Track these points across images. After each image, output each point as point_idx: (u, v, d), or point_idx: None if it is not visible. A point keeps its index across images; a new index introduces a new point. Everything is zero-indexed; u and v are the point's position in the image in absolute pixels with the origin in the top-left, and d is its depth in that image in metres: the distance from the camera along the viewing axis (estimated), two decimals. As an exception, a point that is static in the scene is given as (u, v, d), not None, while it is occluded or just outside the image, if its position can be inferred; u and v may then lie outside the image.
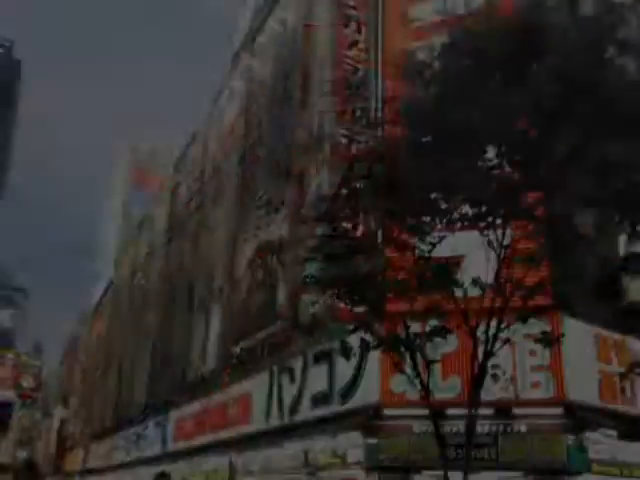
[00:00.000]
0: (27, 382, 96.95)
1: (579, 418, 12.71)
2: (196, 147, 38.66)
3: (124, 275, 56.44)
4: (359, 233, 11.64)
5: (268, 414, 19.03)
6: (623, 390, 14.21)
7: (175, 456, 27.45)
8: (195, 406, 26.45)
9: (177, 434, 28.45)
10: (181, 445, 27.41)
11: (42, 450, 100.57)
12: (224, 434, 22.34)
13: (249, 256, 25.08)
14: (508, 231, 9.85)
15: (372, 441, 13.70)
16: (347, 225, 11.21)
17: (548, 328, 11.59)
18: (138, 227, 54.77)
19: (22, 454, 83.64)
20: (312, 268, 11.21)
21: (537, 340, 10.18)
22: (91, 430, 55.48)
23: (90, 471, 48.52)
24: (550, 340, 10.15)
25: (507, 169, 9.31)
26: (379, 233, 11.44)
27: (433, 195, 9.89)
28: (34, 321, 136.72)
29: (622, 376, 12.98)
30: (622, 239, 11.80)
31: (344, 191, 10.94)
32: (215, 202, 32.10)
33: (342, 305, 12.01)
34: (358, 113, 16.34)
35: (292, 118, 22.79)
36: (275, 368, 19.11)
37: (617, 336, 14.49)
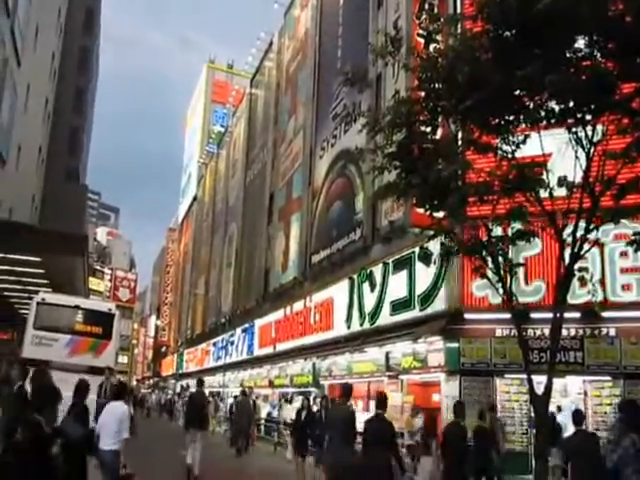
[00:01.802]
0: (124, 294, 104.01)
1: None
2: (271, 60, 38.19)
3: (207, 189, 58.11)
4: (438, 137, 11.21)
5: (349, 320, 19.55)
6: None
7: (261, 361, 28.97)
8: (278, 314, 27.58)
9: (262, 341, 29.91)
10: (266, 351, 28.87)
11: (140, 356, 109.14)
12: (307, 340, 23.31)
13: (327, 165, 25.07)
14: (598, 127, 9.21)
15: (453, 345, 13.84)
16: (425, 129, 10.79)
17: (641, 228, 11.04)
18: (219, 142, 55.65)
19: (123, 359, 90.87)
20: (390, 175, 11.01)
21: (630, 242, 9.69)
22: (183, 338, 59.40)
23: (183, 375, 52.25)
24: (644, 241, 9.61)
25: (599, 60, 8.60)
26: (459, 136, 11.00)
27: (517, 92, 9.31)
28: (127, 237, 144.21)
29: None
30: None
31: (422, 93, 10.51)
32: (292, 113, 31.94)
33: (421, 211, 11.84)
34: (435, 10, 15.44)
35: (367, 21, 21.92)
36: (355, 276, 19.41)
37: None
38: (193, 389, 20.82)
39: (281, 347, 26.52)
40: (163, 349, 75.78)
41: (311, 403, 15.33)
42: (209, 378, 38.74)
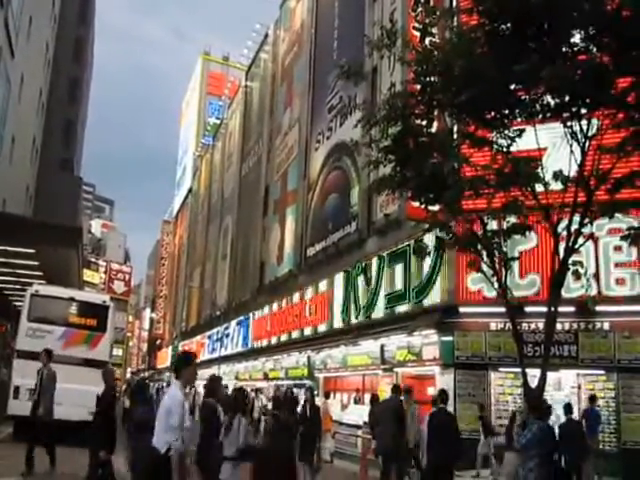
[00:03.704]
0: (119, 287, 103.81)
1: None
2: (267, 52, 38.06)
3: (202, 181, 57.99)
4: (434, 130, 11.19)
5: (345, 313, 19.58)
6: None
7: (256, 353, 29.01)
8: (274, 306, 27.59)
9: (257, 333, 29.93)
10: (261, 343, 28.90)
11: (135, 349, 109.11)
12: (301, 333, 23.34)
13: (322, 158, 25.03)
14: (594, 121, 9.21)
15: (447, 338, 13.87)
16: (421, 122, 10.76)
17: (636, 223, 11.06)
18: (214, 134, 55.49)
19: (118, 352, 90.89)
20: (386, 169, 11.00)
21: (624, 236, 9.71)
22: (178, 330, 59.40)
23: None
24: (638, 235, 9.64)
25: (595, 54, 8.60)
26: (454, 129, 10.99)
27: (512, 86, 9.30)
28: (121, 230, 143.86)
29: None
30: None
31: (418, 86, 10.49)
32: (287, 106, 31.85)
33: (416, 204, 11.84)
34: (431, 3, 15.38)
35: (363, 13, 21.84)
36: (351, 269, 19.42)
37: None
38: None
39: (276, 340, 26.55)
40: (158, 342, 75.82)
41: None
42: (203, 371, 38.77)
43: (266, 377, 25.93)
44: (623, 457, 11.90)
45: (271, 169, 33.41)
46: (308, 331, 22.80)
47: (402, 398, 11.22)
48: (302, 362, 22.63)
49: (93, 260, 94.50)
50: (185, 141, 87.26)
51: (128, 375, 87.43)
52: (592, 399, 11.97)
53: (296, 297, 24.69)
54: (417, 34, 11.54)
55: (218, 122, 57.16)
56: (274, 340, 26.88)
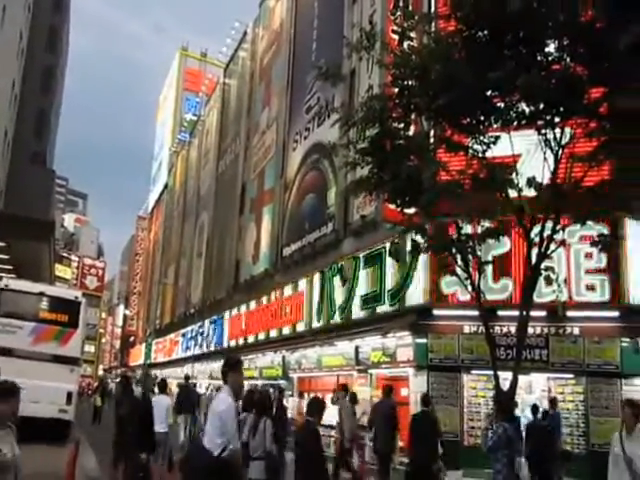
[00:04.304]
0: (91, 282, 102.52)
1: (636, 321, 12.56)
2: (245, 50, 37.89)
3: (178, 178, 57.54)
4: (410, 133, 11.27)
5: (320, 314, 19.61)
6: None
7: (230, 352, 28.83)
8: (249, 305, 27.50)
9: (232, 332, 29.81)
10: (235, 342, 28.79)
11: (107, 346, 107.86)
12: (277, 332, 23.30)
13: (300, 158, 25.01)
14: (567, 129, 9.37)
15: (422, 340, 13.97)
16: (398, 125, 10.83)
17: (606, 230, 11.28)
18: (191, 130, 55.08)
19: (90, 349, 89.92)
20: (363, 170, 11.04)
21: (594, 243, 9.90)
22: (152, 327, 58.88)
23: (151, 365, 51.79)
24: (608, 243, 9.85)
25: (569, 63, 8.75)
26: (431, 133, 11.08)
27: (488, 92, 9.41)
28: (95, 224, 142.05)
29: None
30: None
31: (395, 90, 10.55)
32: (265, 104, 31.75)
33: (393, 207, 11.91)
34: (410, 8, 15.46)
35: (342, 15, 21.86)
36: (326, 269, 19.45)
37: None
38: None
39: (251, 339, 26.47)
40: (131, 339, 75.03)
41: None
42: (177, 369, 38.53)
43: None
44: (591, 459, 12.11)
45: (248, 167, 33.28)
46: (283, 331, 22.77)
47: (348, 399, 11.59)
48: (277, 362, 22.61)
49: (65, 255, 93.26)
50: (161, 136, 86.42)
51: (100, 372, 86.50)
52: (553, 402, 12.21)
53: (272, 296, 24.63)
54: (396, 37, 11.61)
55: (195, 118, 56.72)
56: (249, 339, 26.80)
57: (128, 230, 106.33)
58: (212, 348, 33.01)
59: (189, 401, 17.72)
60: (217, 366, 31.26)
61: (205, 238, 41.35)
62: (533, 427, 10.93)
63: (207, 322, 34.81)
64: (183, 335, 41.29)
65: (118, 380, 10.81)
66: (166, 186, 65.05)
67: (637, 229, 13.14)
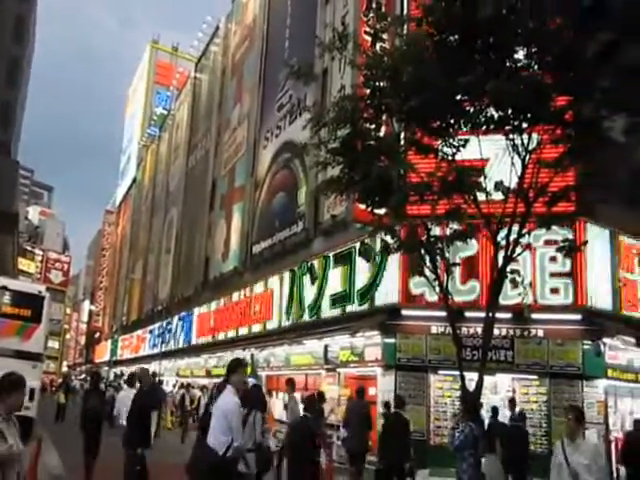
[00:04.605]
0: (56, 277, 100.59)
1: (597, 324, 12.87)
2: (217, 45, 37.58)
3: (147, 172, 56.86)
4: (381, 134, 11.34)
5: (289, 312, 19.60)
6: (644, 299, 14.30)
7: (199, 349, 28.70)
8: (218, 303, 27.34)
9: (200, 329, 29.60)
10: (204, 340, 28.60)
11: (72, 342, 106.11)
12: (246, 330, 23.23)
13: (271, 156, 24.93)
14: (534, 135, 9.55)
15: (390, 340, 14.07)
16: (369, 126, 10.88)
17: (570, 235, 11.52)
18: (161, 124, 54.43)
19: (54, 345, 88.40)
20: (334, 170, 11.07)
21: (559, 247, 10.10)
22: (118, 324, 58.10)
23: (117, 362, 51.16)
24: (572, 247, 10.06)
25: (536, 71, 8.90)
26: (402, 135, 11.15)
27: (459, 96, 9.53)
28: (61, 218, 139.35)
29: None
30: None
31: (367, 90, 10.60)
32: (237, 101, 31.56)
33: (363, 207, 11.97)
34: (382, 9, 15.52)
35: (315, 14, 21.84)
36: (296, 268, 19.45)
37: (640, 244, 14.43)
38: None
39: (220, 336, 26.33)
40: (97, 335, 73.94)
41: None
42: (144, 366, 38.03)
43: (208, 374, 25.71)
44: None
45: (219, 164, 33.05)
46: (252, 329, 22.71)
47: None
48: (246, 360, 22.51)
49: (29, 248, 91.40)
50: (130, 130, 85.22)
51: (64, 369, 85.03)
52: (512, 402, 12.45)
53: (241, 294, 24.53)
54: (368, 39, 11.64)
55: (165, 113, 56.05)
56: (217, 337, 26.65)
57: (95, 224, 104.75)
58: (180, 345, 32.72)
59: (155, 398, 17.59)
60: (185, 363, 31.07)
61: (174, 234, 40.94)
62: (493, 428, 11.11)
63: (175, 319, 34.50)
64: (150, 332, 40.87)
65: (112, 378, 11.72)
66: (134, 180, 64.22)
67: (598, 234, 13.51)
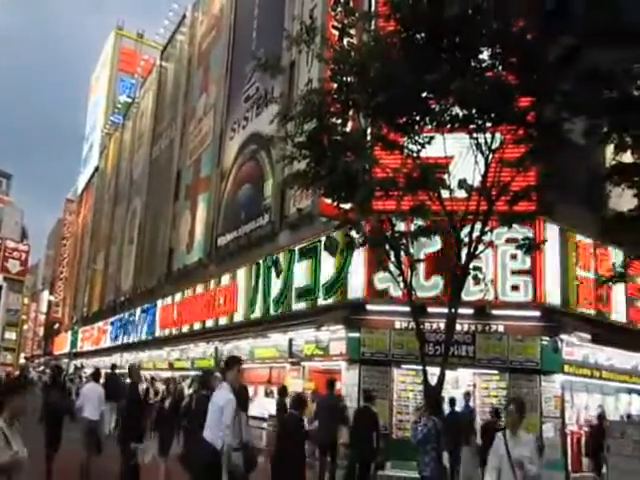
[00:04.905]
0: (13, 266, 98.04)
1: (555, 321, 13.19)
2: (183, 34, 37.00)
3: (110, 161, 55.82)
4: (348, 129, 11.36)
5: (254, 305, 19.54)
6: (600, 297, 14.74)
7: (161, 342, 28.41)
8: (181, 295, 27.09)
9: (163, 322, 29.27)
10: (167, 332, 28.30)
11: (30, 333, 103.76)
12: (210, 323, 23.08)
13: (237, 147, 24.73)
14: (497, 135, 9.70)
15: (354, 334, 14.16)
16: (336, 121, 10.89)
17: (531, 234, 11.76)
18: (125, 112, 53.44)
19: (11, 336, 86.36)
20: (300, 164, 11.05)
21: (519, 245, 10.30)
22: (78, 315, 57.02)
23: (77, 354, 50.26)
24: (532, 245, 10.28)
25: (500, 71, 9.03)
26: (368, 131, 11.20)
27: (424, 94, 9.61)
28: (19, 205, 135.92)
29: (600, 283, 13.36)
30: (609, 149, 11.69)
31: (334, 85, 10.61)
32: (203, 90, 31.17)
33: (329, 201, 11.99)
34: (350, 4, 15.53)
35: (283, 6, 21.67)
36: (261, 261, 19.38)
37: (598, 244, 14.83)
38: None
39: (183, 329, 26.10)
40: (56, 326, 72.36)
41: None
42: (105, 359, 37.52)
43: (171, 367, 25.47)
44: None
45: (184, 154, 32.62)
46: (216, 322, 22.57)
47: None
48: (209, 353, 22.38)
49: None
50: (93, 117, 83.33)
51: (22, 361, 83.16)
52: (467, 395, 12.71)
53: (205, 286, 24.34)
54: (336, 33, 11.60)
55: (129, 101, 54.98)
56: (181, 329, 26.40)
57: (55, 213, 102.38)
58: (142, 338, 32.33)
59: (116, 390, 17.44)
60: (147, 356, 30.70)
61: (137, 224, 40.31)
62: (451, 418, 11.34)
63: (138, 311, 34.05)
64: (112, 324, 40.24)
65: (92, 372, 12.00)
66: (97, 169, 62.92)
67: (557, 233, 13.83)
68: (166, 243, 32.73)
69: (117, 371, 19.75)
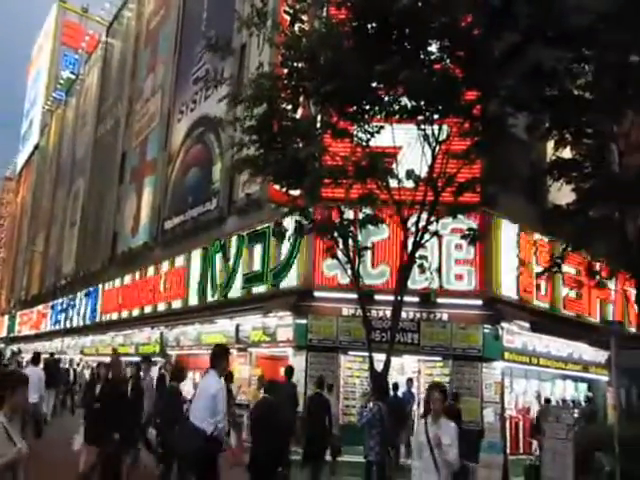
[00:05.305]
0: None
1: (497, 310, 13.59)
2: (130, 10, 35.86)
3: (52, 139, 53.92)
4: (298, 116, 11.30)
5: (201, 290, 19.34)
6: (538, 287, 15.23)
7: (105, 327, 27.83)
8: (126, 279, 26.56)
9: (107, 306, 28.67)
10: (111, 317, 27.75)
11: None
12: (155, 308, 22.75)
13: (185, 130, 24.27)
14: (444, 127, 9.85)
15: (302, 321, 14.21)
16: (286, 106, 10.81)
17: (475, 225, 12.03)
18: (68, 89, 51.60)
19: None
20: (249, 149, 10.93)
21: (464, 235, 10.53)
22: (16, 298, 55.13)
23: (15, 339, 48.61)
24: (476, 236, 10.52)
25: (448, 64, 9.15)
26: (318, 118, 11.17)
27: (374, 84, 9.65)
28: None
29: (539, 274, 13.81)
30: (550, 144, 12.05)
31: (285, 70, 10.52)
32: (150, 70, 30.37)
33: (278, 188, 11.93)
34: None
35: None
36: (209, 246, 19.17)
37: (538, 236, 15.33)
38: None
39: (127, 314, 25.63)
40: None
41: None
42: (45, 343, 36.48)
43: (115, 352, 24.94)
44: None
45: (130, 135, 31.79)
46: (162, 306, 22.26)
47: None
48: (154, 338, 22.06)
49: None
50: (34, 92, 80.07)
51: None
52: (410, 381, 12.99)
53: (151, 270, 23.93)
54: (287, 18, 11.48)
55: (73, 77, 53.14)
56: (125, 314, 25.93)
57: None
58: (84, 322, 31.57)
59: (55, 376, 17.12)
60: (89, 341, 30.01)
61: (80, 205, 39.17)
62: (393, 403, 11.53)
63: (80, 295, 33.20)
64: (52, 307, 39.13)
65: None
66: (37, 146, 60.68)
67: (500, 225, 14.20)
68: (110, 226, 31.96)
69: (57, 356, 19.41)
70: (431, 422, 5.34)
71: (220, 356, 6.50)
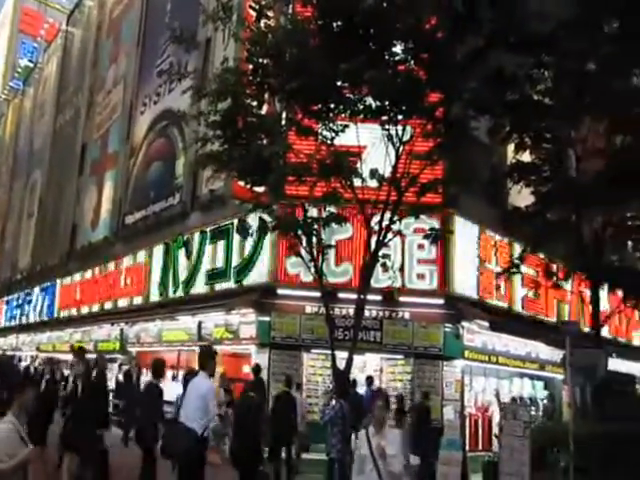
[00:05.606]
0: None
1: (457, 309, 13.77)
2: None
3: (8, 128, 52.47)
4: (263, 112, 11.22)
5: (162, 287, 19.08)
6: (498, 287, 15.50)
7: (62, 323, 27.22)
8: (85, 274, 26.03)
9: (64, 301, 28.08)
10: (68, 313, 27.18)
11: None
12: (115, 304, 22.36)
13: (148, 123, 23.86)
14: (408, 128, 9.92)
15: (264, 318, 14.14)
16: (251, 102, 10.72)
17: (437, 225, 12.17)
18: (25, 78, 50.22)
19: None
20: (213, 144, 10.81)
21: (426, 235, 10.63)
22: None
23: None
24: (437, 236, 10.64)
25: (412, 66, 9.22)
26: (283, 115, 11.12)
27: (339, 83, 9.66)
28: None
29: (499, 274, 14.07)
30: (510, 148, 12.26)
31: (250, 66, 10.44)
32: (112, 61, 29.76)
33: (242, 184, 11.85)
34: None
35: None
36: (171, 241, 18.91)
37: (498, 237, 15.62)
38: None
39: (86, 310, 25.13)
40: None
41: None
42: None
43: (72, 349, 24.44)
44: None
45: (90, 126, 31.12)
46: (122, 302, 21.89)
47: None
48: (114, 335, 21.67)
49: None
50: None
51: None
52: (370, 379, 13.08)
53: (111, 266, 23.50)
54: (253, 13, 11.38)
55: (31, 66, 51.75)
56: (84, 310, 25.41)
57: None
58: (41, 318, 30.84)
59: (8, 374, 16.75)
60: (46, 337, 29.31)
61: (37, 197, 38.19)
62: (352, 400, 11.58)
63: (36, 290, 32.41)
64: (7, 303, 38.21)
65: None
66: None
67: (462, 225, 14.39)
68: (69, 218, 31.25)
69: (9, 353, 18.95)
70: (373, 432, 4.99)
71: (208, 355, 6.58)
